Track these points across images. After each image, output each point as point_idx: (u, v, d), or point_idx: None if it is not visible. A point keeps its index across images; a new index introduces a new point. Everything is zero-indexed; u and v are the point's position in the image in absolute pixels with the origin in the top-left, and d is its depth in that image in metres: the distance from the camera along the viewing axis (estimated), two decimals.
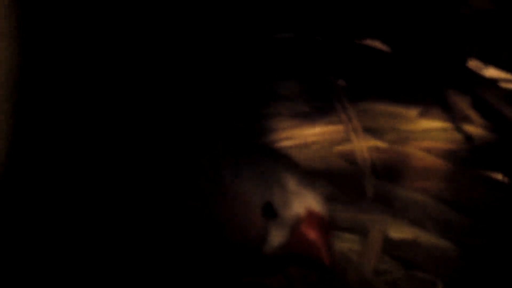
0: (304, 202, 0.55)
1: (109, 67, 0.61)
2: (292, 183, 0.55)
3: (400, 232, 0.64)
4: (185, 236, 0.57)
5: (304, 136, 0.69)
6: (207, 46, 0.66)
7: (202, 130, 0.61)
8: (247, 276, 0.63)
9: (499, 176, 0.64)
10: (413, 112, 0.67)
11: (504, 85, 0.63)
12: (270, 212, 0.55)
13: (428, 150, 0.66)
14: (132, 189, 0.57)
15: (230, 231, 0.56)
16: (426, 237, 0.63)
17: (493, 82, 0.64)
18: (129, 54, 0.63)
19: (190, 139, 0.59)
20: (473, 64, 0.64)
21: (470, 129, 0.65)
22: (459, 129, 0.65)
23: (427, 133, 0.66)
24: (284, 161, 0.58)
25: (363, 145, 0.67)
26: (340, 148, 0.68)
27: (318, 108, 0.69)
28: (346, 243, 0.65)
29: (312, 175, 0.62)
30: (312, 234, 0.55)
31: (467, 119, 0.65)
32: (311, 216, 0.55)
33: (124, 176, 0.58)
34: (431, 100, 0.66)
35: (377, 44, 0.69)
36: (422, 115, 0.67)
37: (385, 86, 0.68)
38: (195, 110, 0.65)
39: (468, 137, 0.64)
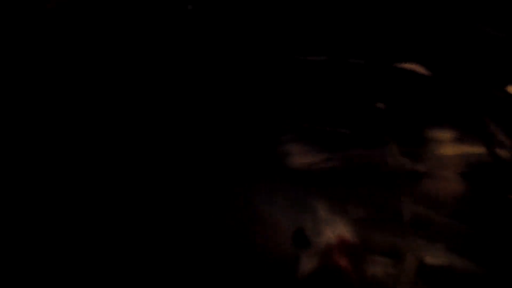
0: (335, 229, 0.55)
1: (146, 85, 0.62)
2: (323, 210, 0.56)
3: (435, 257, 0.64)
4: (218, 259, 0.57)
5: (343, 158, 0.68)
6: (239, 68, 0.66)
7: (236, 155, 0.62)
8: None
9: None
10: (450, 136, 0.67)
11: None
12: (302, 239, 0.56)
13: (464, 175, 0.65)
14: (168, 211, 0.58)
15: (262, 257, 0.56)
16: (462, 264, 0.63)
17: None
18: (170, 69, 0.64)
19: (224, 164, 0.60)
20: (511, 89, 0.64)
21: (505, 154, 0.64)
22: (493, 155, 0.64)
23: (463, 158, 0.66)
24: (315, 187, 0.58)
25: (402, 169, 0.67)
26: (378, 171, 0.68)
27: (358, 131, 0.69)
28: (380, 267, 0.65)
29: (345, 200, 0.62)
30: (343, 261, 0.55)
31: (502, 145, 0.64)
32: (342, 243, 0.55)
33: (161, 197, 0.59)
34: (468, 124, 0.66)
35: (415, 67, 0.68)
36: (459, 139, 0.66)
37: (422, 109, 0.68)
38: (230, 135, 0.66)
39: (503, 163, 0.63)
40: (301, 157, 0.68)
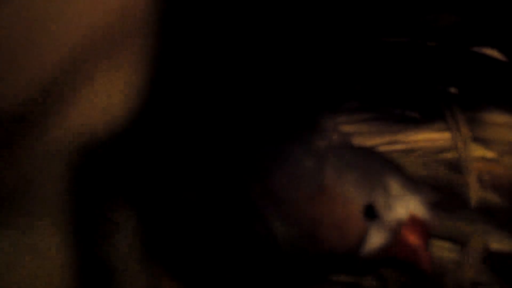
0: (407, 206, 0.55)
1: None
2: (396, 187, 0.55)
3: (501, 244, 0.63)
4: (285, 231, 0.58)
5: (410, 141, 0.68)
6: (314, 48, 0.66)
7: (308, 130, 0.62)
8: (342, 275, 0.64)
9: None
10: None
11: None
12: (372, 213, 0.55)
13: None
14: (239, 184, 0.59)
15: (329, 230, 0.56)
16: None
17: None
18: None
19: (295, 137, 0.60)
20: None
21: None
22: None
23: None
24: (388, 164, 0.58)
25: (470, 154, 0.66)
26: (445, 155, 0.67)
27: (427, 114, 0.69)
28: (445, 252, 0.64)
29: (416, 181, 0.62)
30: (413, 238, 0.54)
31: None
32: (413, 220, 0.55)
33: (229, 171, 0.59)
34: None
35: (493, 52, 0.68)
36: None
37: (498, 95, 0.67)
38: (302, 109, 0.66)
39: None
40: (368, 138, 0.68)
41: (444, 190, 0.66)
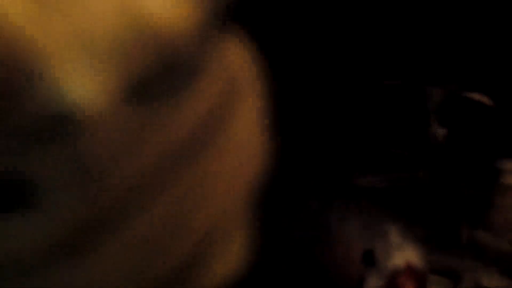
0: (405, 255, 0.59)
1: None
2: (395, 235, 0.59)
3: (491, 281, 0.67)
4: (290, 271, 0.61)
5: (403, 180, 0.71)
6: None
7: (314, 172, 0.65)
8: None
9: None
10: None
11: None
12: (371, 260, 0.59)
13: None
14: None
15: (331, 271, 0.60)
16: None
17: None
18: None
19: (302, 179, 0.64)
20: None
21: None
22: None
23: None
24: (388, 210, 0.62)
25: (462, 195, 0.70)
26: (439, 195, 0.71)
27: (419, 156, 0.72)
28: (438, 286, 0.68)
29: (413, 222, 0.66)
30: (409, 286, 0.58)
31: None
32: (410, 269, 0.58)
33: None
34: None
35: (481, 97, 0.71)
36: None
37: (486, 139, 0.71)
38: (309, 152, 0.69)
39: None
40: (368, 176, 0.71)
41: (439, 228, 0.70)
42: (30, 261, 0.19)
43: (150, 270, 0.20)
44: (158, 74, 0.18)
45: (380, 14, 0.67)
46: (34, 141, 0.17)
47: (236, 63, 0.21)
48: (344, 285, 0.59)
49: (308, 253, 0.59)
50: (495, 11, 0.67)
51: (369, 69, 0.69)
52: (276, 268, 0.60)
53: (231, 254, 0.22)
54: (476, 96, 0.71)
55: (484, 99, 0.71)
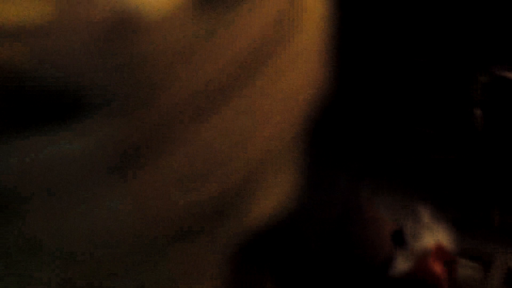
0: (435, 235, 0.58)
1: None
2: (426, 216, 0.59)
3: None
4: (320, 248, 0.61)
5: (434, 162, 0.71)
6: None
7: (343, 148, 0.65)
8: None
9: None
10: None
11: None
12: (400, 240, 0.59)
13: None
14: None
15: (361, 249, 0.60)
16: None
17: None
18: None
19: (331, 156, 0.63)
20: None
21: None
22: None
23: None
24: (420, 190, 0.61)
25: (493, 178, 0.69)
26: (470, 177, 0.70)
27: (453, 137, 0.71)
28: (468, 270, 0.67)
29: (445, 205, 0.65)
30: (438, 267, 0.58)
31: None
32: (439, 250, 0.58)
33: None
34: None
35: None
36: None
37: None
38: (340, 127, 0.68)
39: None
40: (400, 156, 0.71)
41: (471, 212, 0.69)
42: (77, 177, 0.18)
43: (204, 190, 0.20)
44: None
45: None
46: (93, 45, 0.17)
47: None
48: (373, 263, 0.58)
49: (338, 231, 0.58)
50: None
51: (412, 47, 0.68)
52: (307, 240, 0.60)
53: (278, 190, 0.22)
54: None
55: None
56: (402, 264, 0.59)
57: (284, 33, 0.20)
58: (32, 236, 0.18)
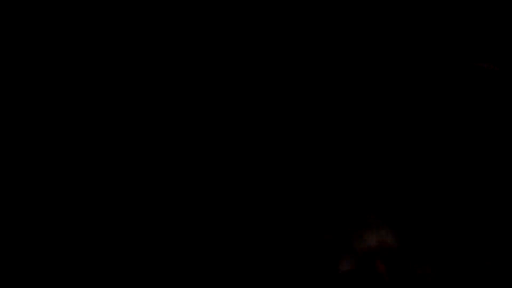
0: (378, 234, 0.58)
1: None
2: (370, 216, 0.59)
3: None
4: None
5: None
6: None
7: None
8: None
9: None
10: None
11: None
12: (342, 243, 0.59)
13: None
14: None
15: (306, 255, 0.60)
16: None
17: None
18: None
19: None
20: None
21: None
22: None
23: None
24: (368, 193, 0.61)
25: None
26: None
27: None
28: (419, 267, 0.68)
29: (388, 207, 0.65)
30: (381, 266, 0.58)
31: None
32: (382, 249, 0.58)
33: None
34: None
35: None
36: None
37: None
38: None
39: None
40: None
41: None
42: None
43: None
44: None
45: None
46: None
47: None
48: (319, 268, 0.58)
49: (285, 235, 0.58)
50: None
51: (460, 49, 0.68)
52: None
53: None
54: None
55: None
56: (347, 266, 0.59)
57: None
58: None
